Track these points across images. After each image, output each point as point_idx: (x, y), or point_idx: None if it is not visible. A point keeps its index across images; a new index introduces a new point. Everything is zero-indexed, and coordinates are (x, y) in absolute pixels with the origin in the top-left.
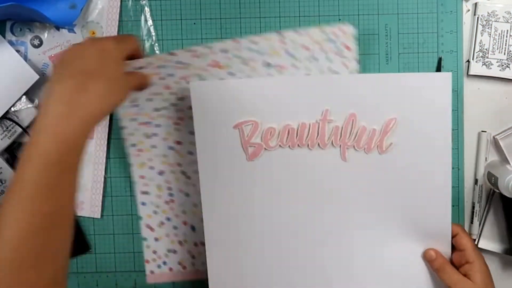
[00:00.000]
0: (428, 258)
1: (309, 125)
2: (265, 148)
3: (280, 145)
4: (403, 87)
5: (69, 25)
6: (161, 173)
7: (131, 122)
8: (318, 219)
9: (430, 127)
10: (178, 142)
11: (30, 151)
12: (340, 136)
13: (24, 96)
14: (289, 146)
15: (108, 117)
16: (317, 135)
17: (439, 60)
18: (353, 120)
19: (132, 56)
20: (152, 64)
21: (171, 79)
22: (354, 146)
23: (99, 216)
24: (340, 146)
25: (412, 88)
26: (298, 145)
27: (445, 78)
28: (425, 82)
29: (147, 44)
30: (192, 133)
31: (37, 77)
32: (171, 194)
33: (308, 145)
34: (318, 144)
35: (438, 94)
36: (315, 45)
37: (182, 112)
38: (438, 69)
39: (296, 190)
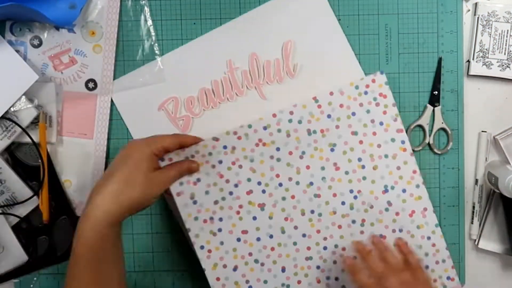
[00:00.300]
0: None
1: (221, 80)
2: (192, 117)
3: (204, 109)
4: (287, 14)
5: (69, 25)
6: (235, 268)
7: (195, 222)
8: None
9: (324, 41)
10: (244, 232)
11: (82, 222)
12: (251, 78)
13: (23, 96)
14: (211, 106)
15: (108, 117)
16: (231, 86)
17: (439, 60)
18: (255, 58)
19: (176, 147)
20: (199, 153)
21: (222, 167)
22: (267, 82)
23: None
24: (255, 87)
25: (296, 12)
26: (219, 102)
27: None
28: (303, 3)
29: (146, 44)
30: (255, 218)
31: (36, 77)
32: (250, 287)
33: (227, 99)
34: (236, 94)
35: (318, 11)
36: (351, 101)
37: (239, 199)
38: (438, 69)
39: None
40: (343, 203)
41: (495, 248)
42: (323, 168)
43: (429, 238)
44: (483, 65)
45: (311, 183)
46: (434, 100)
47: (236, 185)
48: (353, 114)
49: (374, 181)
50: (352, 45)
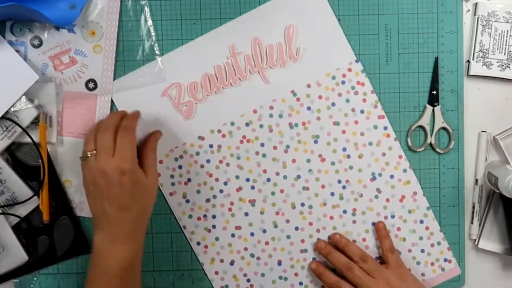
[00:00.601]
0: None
1: (223, 65)
2: (195, 103)
3: (207, 95)
4: (289, 3)
5: (69, 25)
6: (232, 263)
7: (189, 220)
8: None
9: (321, 27)
10: (238, 227)
11: (94, 269)
12: (254, 62)
13: (24, 96)
14: (215, 91)
15: None
16: (234, 71)
17: (436, 59)
18: (258, 43)
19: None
20: (187, 153)
21: (210, 166)
22: (270, 66)
23: None
24: (258, 71)
25: (296, 10)
26: (222, 87)
27: None
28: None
29: (147, 44)
30: (247, 214)
31: (36, 77)
32: (248, 280)
33: (231, 84)
34: (239, 78)
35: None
36: (329, 92)
37: (230, 196)
38: (436, 69)
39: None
40: (332, 194)
41: (495, 248)
42: (308, 161)
43: (421, 221)
44: (483, 65)
45: (299, 176)
46: (433, 100)
47: (225, 183)
48: (333, 104)
49: (361, 169)
50: (352, 45)
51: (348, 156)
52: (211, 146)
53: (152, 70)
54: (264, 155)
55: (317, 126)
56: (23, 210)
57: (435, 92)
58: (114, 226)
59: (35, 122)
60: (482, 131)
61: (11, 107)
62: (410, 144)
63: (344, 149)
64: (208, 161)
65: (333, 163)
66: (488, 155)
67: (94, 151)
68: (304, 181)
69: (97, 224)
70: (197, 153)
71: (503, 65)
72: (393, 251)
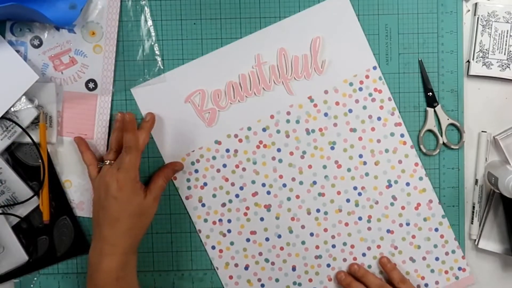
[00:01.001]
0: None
1: (248, 74)
2: (218, 110)
3: (230, 103)
4: (317, 15)
5: (69, 25)
6: (246, 267)
7: (204, 224)
8: (290, 160)
9: (348, 41)
10: (253, 232)
11: (88, 280)
12: (279, 73)
13: (24, 97)
14: (238, 100)
15: (108, 118)
16: (259, 81)
17: (420, 62)
18: (283, 54)
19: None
20: (203, 157)
21: (227, 170)
22: (294, 78)
23: None
24: (283, 82)
25: (324, 14)
26: (246, 96)
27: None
28: (328, 7)
29: (147, 44)
30: (262, 219)
31: (36, 77)
32: (262, 285)
33: (254, 93)
34: (263, 88)
35: (342, 12)
36: (347, 99)
37: (245, 201)
38: (423, 70)
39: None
40: (348, 200)
41: (495, 248)
42: (324, 167)
43: (436, 229)
44: (483, 65)
45: (315, 182)
46: (431, 101)
47: (241, 188)
48: (350, 111)
49: (377, 176)
50: None
51: (365, 163)
52: (227, 150)
53: (152, 70)
54: (280, 161)
55: (334, 132)
56: (23, 210)
57: (430, 93)
58: (103, 238)
59: (35, 122)
60: (482, 131)
61: (11, 107)
62: (424, 150)
63: (361, 156)
64: (224, 165)
65: (349, 170)
66: (488, 155)
67: (112, 162)
68: (320, 187)
69: (93, 235)
70: (214, 158)
71: (503, 65)
72: (404, 281)
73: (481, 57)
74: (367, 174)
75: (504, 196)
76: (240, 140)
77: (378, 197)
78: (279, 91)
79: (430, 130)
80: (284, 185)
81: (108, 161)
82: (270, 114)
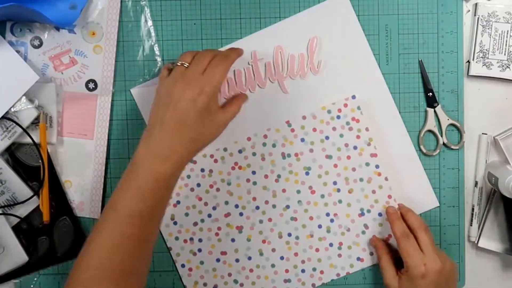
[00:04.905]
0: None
1: (243, 70)
2: None
3: (224, 98)
4: (315, 16)
5: (69, 26)
6: (215, 287)
7: (175, 242)
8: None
9: (347, 42)
10: (223, 253)
11: (128, 181)
12: (274, 70)
13: (24, 97)
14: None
15: (108, 118)
16: (254, 77)
17: (420, 62)
18: (280, 52)
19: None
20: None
21: (201, 190)
22: (290, 76)
23: (99, 217)
24: (278, 80)
25: (323, 12)
26: (240, 92)
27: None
28: (328, 7)
29: (147, 45)
30: (233, 240)
31: (37, 77)
32: None
33: (249, 89)
34: (258, 85)
35: (342, 13)
36: (324, 126)
37: (218, 221)
38: (423, 71)
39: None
40: (319, 226)
41: (495, 248)
42: (298, 192)
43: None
44: (483, 65)
45: (288, 206)
46: (431, 102)
47: (214, 208)
48: (327, 138)
49: (350, 204)
50: None
51: (338, 190)
52: (202, 170)
53: (152, 70)
54: (254, 183)
55: (310, 158)
56: (23, 211)
57: (430, 93)
58: (164, 139)
59: (35, 122)
60: (483, 133)
61: (11, 107)
62: (424, 150)
63: (335, 183)
64: (198, 185)
65: (322, 196)
66: (489, 158)
67: (187, 64)
68: (293, 212)
69: (148, 132)
70: (188, 176)
71: (503, 66)
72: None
73: (481, 57)
74: (340, 201)
75: (504, 196)
76: (216, 161)
77: (350, 224)
78: (274, 89)
79: (430, 131)
80: (257, 208)
81: (185, 63)
82: (247, 136)
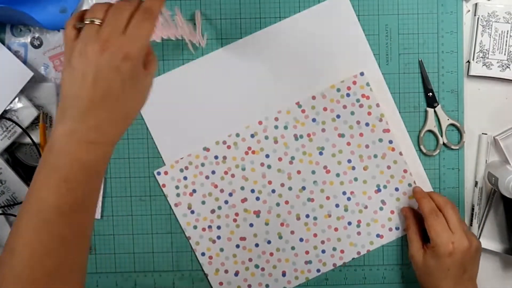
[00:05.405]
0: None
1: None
2: None
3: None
4: (317, 15)
5: (59, 29)
6: (236, 273)
7: (194, 231)
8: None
9: (347, 42)
10: (242, 238)
11: (48, 173)
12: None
13: (23, 96)
14: None
15: None
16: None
17: (420, 62)
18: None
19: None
20: (192, 164)
21: (216, 177)
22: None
23: (99, 217)
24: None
25: (323, 12)
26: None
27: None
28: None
29: None
30: (251, 225)
31: (31, 74)
32: None
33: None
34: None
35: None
36: (334, 104)
37: (235, 208)
38: (423, 71)
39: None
40: (337, 205)
41: (495, 248)
42: (313, 172)
43: None
44: (483, 65)
45: (304, 188)
46: (431, 102)
47: (230, 194)
48: (338, 116)
49: (366, 181)
50: None
51: (353, 168)
52: (216, 157)
53: None
54: (269, 166)
55: (322, 138)
56: None
57: (430, 94)
58: (88, 119)
59: (35, 122)
60: (483, 133)
61: (10, 106)
62: (424, 150)
63: (349, 161)
64: (213, 172)
65: (338, 175)
66: (488, 158)
67: (100, 21)
68: (309, 193)
69: (65, 113)
70: (202, 164)
71: (503, 66)
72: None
73: (481, 57)
74: (356, 179)
75: (504, 196)
76: (229, 147)
77: (368, 201)
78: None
79: (430, 131)
80: (273, 191)
81: (96, 20)
82: (258, 120)
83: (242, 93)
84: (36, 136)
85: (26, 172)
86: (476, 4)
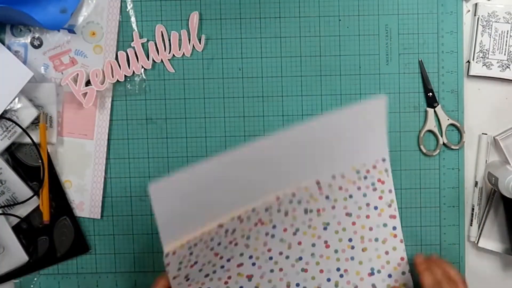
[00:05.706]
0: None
1: (126, 52)
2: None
3: (109, 82)
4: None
5: (59, 29)
6: None
7: None
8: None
9: (367, 129)
10: None
11: None
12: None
13: (23, 96)
14: (117, 79)
15: (108, 118)
16: (137, 59)
17: (420, 62)
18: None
19: None
20: (202, 241)
21: (220, 247)
22: (174, 55)
23: (99, 217)
24: (162, 60)
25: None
26: (125, 75)
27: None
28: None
29: (146, 45)
30: (241, 287)
31: (31, 74)
32: None
33: (134, 72)
34: (143, 66)
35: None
36: (350, 185)
37: (229, 271)
38: (423, 71)
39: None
40: (328, 279)
41: (495, 248)
42: (313, 245)
43: None
44: (483, 65)
45: (300, 258)
46: (431, 102)
47: (228, 260)
48: (350, 196)
49: (362, 262)
50: (352, 45)
51: (352, 247)
52: (226, 231)
53: (135, 81)
54: (272, 236)
55: (330, 214)
56: (23, 211)
57: (430, 94)
58: None
59: (35, 122)
60: (483, 134)
61: (10, 106)
62: (424, 151)
63: (350, 240)
64: (219, 244)
65: (336, 251)
66: (489, 158)
67: None
68: (305, 263)
69: None
70: (212, 239)
71: (503, 66)
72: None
73: (481, 57)
74: (352, 258)
75: (504, 196)
76: (241, 221)
77: (359, 282)
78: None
79: (430, 131)
80: (271, 258)
81: None
82: (276, 195)
83: (263, 169)
84: (36, 136)
85: (26, 172)
86: (476, 4)
